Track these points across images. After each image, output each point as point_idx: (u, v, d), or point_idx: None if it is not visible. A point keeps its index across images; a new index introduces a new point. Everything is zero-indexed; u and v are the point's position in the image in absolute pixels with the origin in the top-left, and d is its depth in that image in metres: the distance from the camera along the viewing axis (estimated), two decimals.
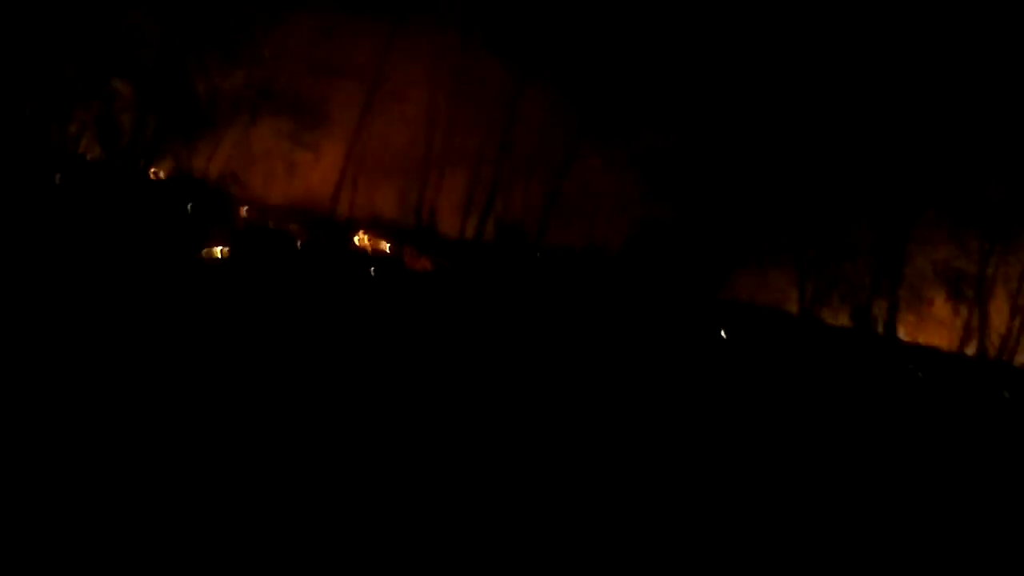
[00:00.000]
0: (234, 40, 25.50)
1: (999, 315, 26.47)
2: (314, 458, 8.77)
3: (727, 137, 26.59)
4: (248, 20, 25.57)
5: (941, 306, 26.67)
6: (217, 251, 22.20)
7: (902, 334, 26.60)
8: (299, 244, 23.58)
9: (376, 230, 24.84)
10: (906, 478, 14.44)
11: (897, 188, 26.60)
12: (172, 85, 24.99)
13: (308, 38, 25.97)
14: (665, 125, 26.40)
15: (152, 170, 25.07)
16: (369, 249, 24.39)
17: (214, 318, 15.07)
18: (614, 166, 26.51)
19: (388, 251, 24.43)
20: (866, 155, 26.82)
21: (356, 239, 24.57)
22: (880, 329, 26.32)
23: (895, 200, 26.62)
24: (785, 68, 26.02)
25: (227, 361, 12.17)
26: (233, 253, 22.16)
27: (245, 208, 24.19)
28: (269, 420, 9.75)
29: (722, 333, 24.33)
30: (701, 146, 26.54)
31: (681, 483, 10.79)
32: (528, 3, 26.30)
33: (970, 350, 26.44)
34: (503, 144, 26.47)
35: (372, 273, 22.90)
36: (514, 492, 8.92)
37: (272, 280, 20.76)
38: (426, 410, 11.65)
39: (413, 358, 15.33)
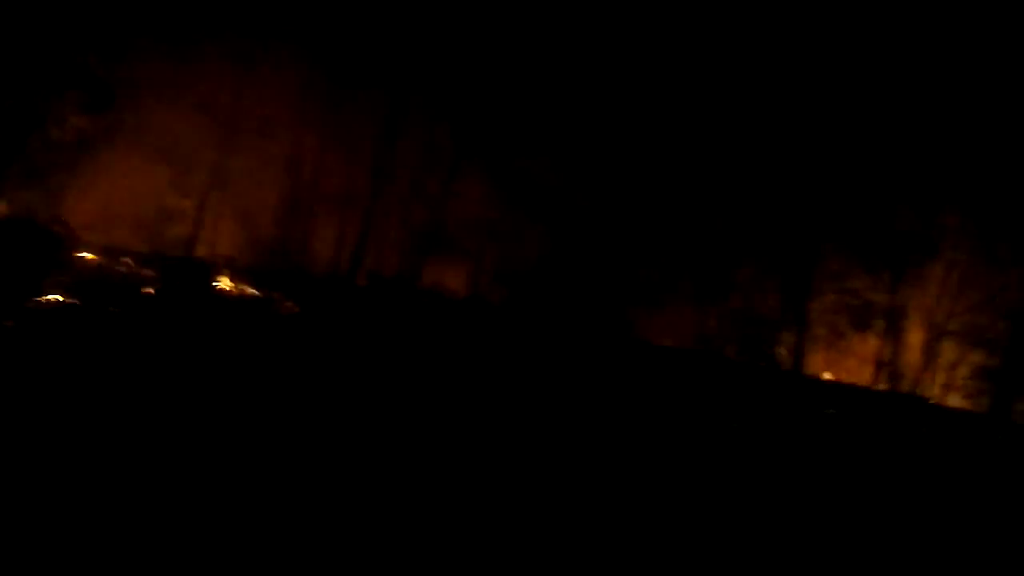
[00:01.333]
0: (83, 77, 23.23)
1: (911, 349, 25.51)
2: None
3: (619, 167, 25.36)
4: (98, 56, 23.32)
5: (851, 339, 25.53)
6: (53, 298, 19.59)
7: (810, 369, 25.36)
8: (154, 291, 21.11)
9: (241, 274, 22.44)
10: (817, 514, 14.39)
11: (802, 219, 25.58)
12: (11, 124, 22.51)
13: (162, 74, 23.73)
14: (551, 156, 25.02)
15: None
16: (234, 292, 21.96)
17: (45, 369, 14.24)
18: (496, 199, 24.94)
19: (256, 294, 22.05)
20: (770, 184, 25.83)
21: (218, 283, 22.10)
22: (788, 364, 25.06)
23: (801, 231, 25.57)
24: (678, 95, 25.06)
25: (73, 406, 11.83)
26: (74, 300, 19.66)
27: (89, 252, 21.48)
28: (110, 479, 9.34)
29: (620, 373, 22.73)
30: (594, 177, 25.26)
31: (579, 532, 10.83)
32: (396, 34, 24.75)
33: (882, 384, 25.34)
34: (375, 181, 24.63)
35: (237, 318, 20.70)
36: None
37: (117, 327, 18.70)
38: (290, 455, 11.48)
39: (282, 402, 14.79)
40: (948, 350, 25.18)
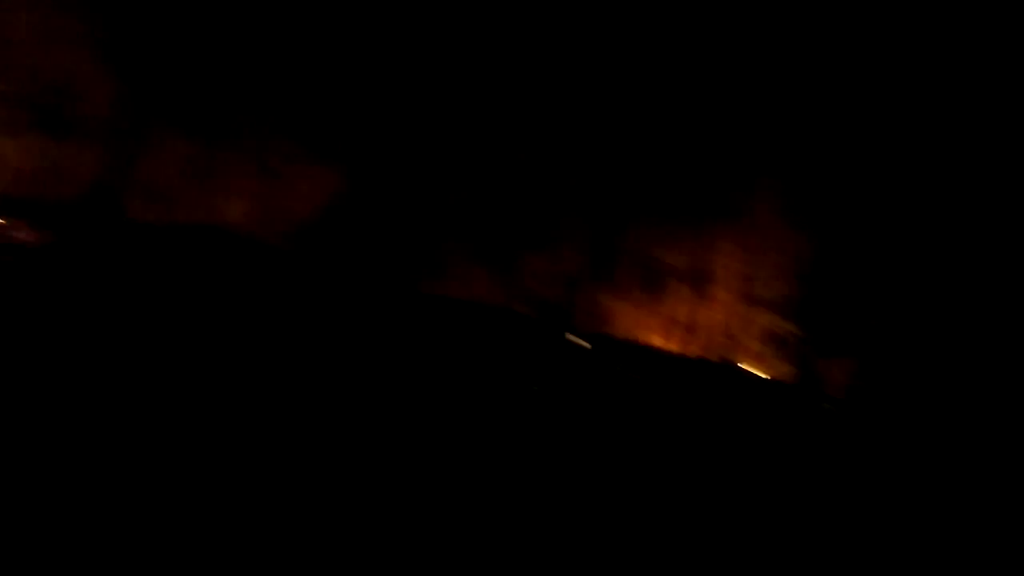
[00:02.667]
0: None
1: (718, 314, 24.38)
2: None
3: (420, 124, 23.22)
4: None
5: (658, 302, 24.16)
6: None
7: (616, 330, 23.85)
8: None
9: None
10: (616, 480, 14.27)
11: (607, 179, 24.06)
12: None
13: None
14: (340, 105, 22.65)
15: None
16: None
17: None
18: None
19: None
20: (573, 144, 24.21)
21: None
22: (587, 325, 23.43)
23: (604, 191, 24.03)
24: (479, 51, 23.11)
25: None
26: None
27: None
28: None
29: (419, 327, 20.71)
30: (398, 132, 23.04)
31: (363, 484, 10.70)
32: None
33: (691, 349, 24.11)
34: (141, 106, 21.49)
35: None
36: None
37: None
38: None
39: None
40: (757, 316, 24.23)
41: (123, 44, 21.48)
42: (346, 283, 21.91)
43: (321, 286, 21.24)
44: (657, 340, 23.78)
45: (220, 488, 9.63)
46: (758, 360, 24.03)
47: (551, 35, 23.31)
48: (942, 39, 22.48)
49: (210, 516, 8.87)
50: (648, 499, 13.68)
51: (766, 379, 23.89)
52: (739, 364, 23.91)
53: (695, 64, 23.62)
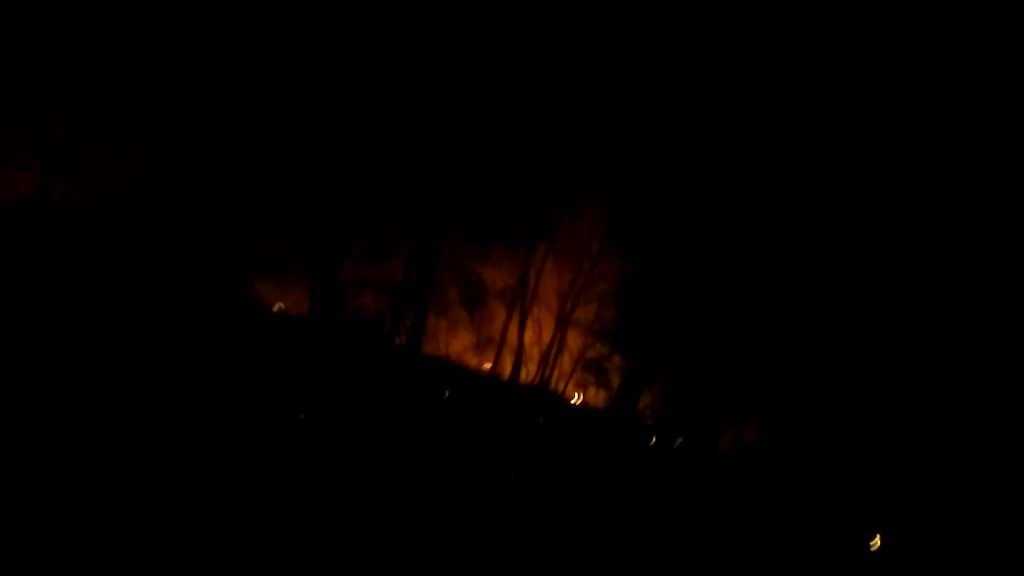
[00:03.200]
0: None
1: (536, 336, 23.99)
2: None
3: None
4: None
5: (475, 321, 23.52)
6: None
7: (432, 348, 23.01)
8: None
9: None
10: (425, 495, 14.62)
11: (428, 192, 23.27)
12: None
13: None
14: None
15: None
16: None
17: None
18: None
19: None
20: (395, 155, 23.39)
21: None
22: (402, 339, 22.56)
23: (425, 204, 23.24)
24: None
25: None
26: None
27: None
28: None
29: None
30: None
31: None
32: None
33: (506, 371, 23.57)
34: None
35: None
36: None
37: None
38: None
39: None
40: (573, 340, 23.93)
41: None
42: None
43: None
44: (471, 358, 23.15)
45: None
46: (573, 383, 23.76)
47: (375, 43, 22.58)
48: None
49: None
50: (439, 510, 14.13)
51: (577, 404, 23.65)
52: (552, 388, 23.56)
53: (519, 81, 23.24)
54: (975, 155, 23.09)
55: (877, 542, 21.27)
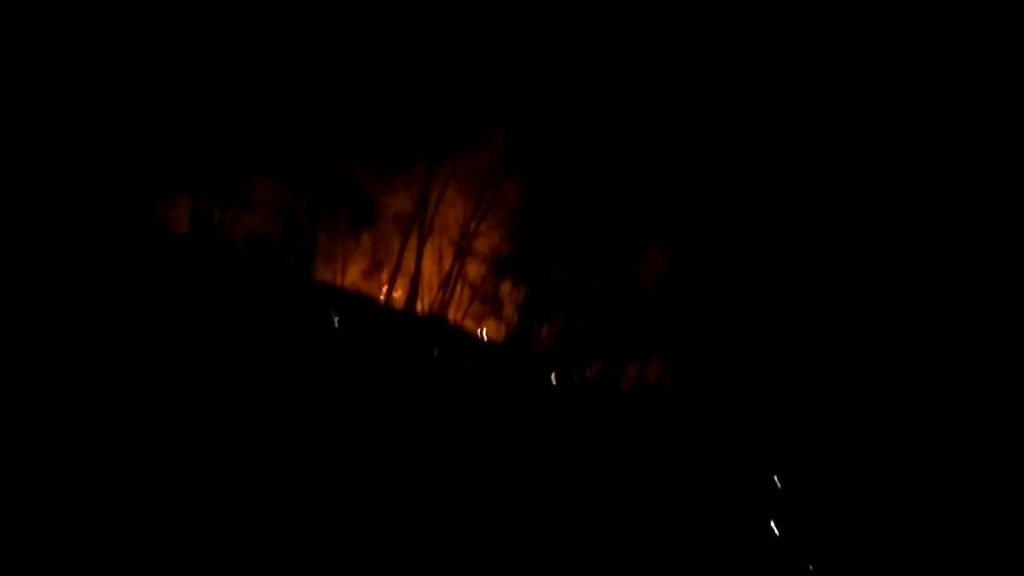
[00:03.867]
0: None
1: (431, 263, 23.18)
2: None
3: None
4: None
5: (371, 248, 22.60)
6: None
7: (324, 273, 22.05)
8: None
9: None
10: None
11: (323, 111, 22.06)
12: None
13: None
14: None
15: None
16: None
17: None
18: None
19: None
20: (287, 73, 22.09)
21: None
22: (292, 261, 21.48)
23: (320, 124, 22.04)
24: None
25: None
26: None
27: None
28: None
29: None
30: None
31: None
32: None
33: (399, 300, 22.78)
34: None
35: None
36: None
37: None
38: None
39: None
40: (472, 270, 23.27)
41: None
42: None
43: None
44: (365, 285, 22.33)
45: None
46: (471, 315, 23.17)
47: None
48: None
49: None
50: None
51: (473, 336, 23.05)
52: (448, 319, 22.91)
53: (424, 6, 22.23)
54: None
55: (777, 482, 21.20)
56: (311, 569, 9.64)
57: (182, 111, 20.99)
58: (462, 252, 22.85)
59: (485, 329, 23.25)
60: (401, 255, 22.48)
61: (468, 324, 23.13)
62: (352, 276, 22.29)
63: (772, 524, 21.22)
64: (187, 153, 21.00)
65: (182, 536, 8.79)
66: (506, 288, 23.18)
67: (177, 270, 19.67)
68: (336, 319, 20.73)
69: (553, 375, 23.08)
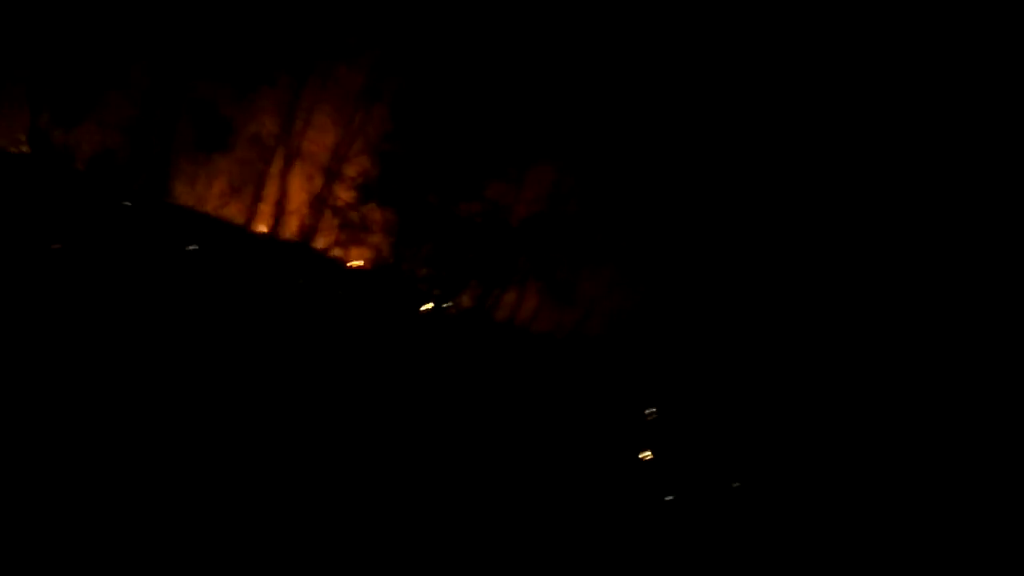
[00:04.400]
0: None
1: (297, 188, 22.31)
2: None
3: None
4: None
5: (231, 170, 21.61)
6: None
7: (180, 196, 21.08)
8: None
9: None
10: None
11: (173, 23, 20.70)
12: None
13: None
14: None
15: None
16: None
17: None
18: None
19: None
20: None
21: None
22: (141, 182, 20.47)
23: (170, 37, 20.71)
24: None
25: None
26: None
27: None
28: None
29: None
30: None
31: None
32: None
33: (263, 226, 21.94)
34: None
35: None
36: None
37: None
38: None
39: None
40: (340, 194, 22.48)
41: None
42: None
43: None
44: (223, 209, 21.40)
45: None
46: (337, 242, 22.48)
47: None
48: None
49: None
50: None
51: (340, 263, 22.40)
52: (314, 245, 22.21)
53: None
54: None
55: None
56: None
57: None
58: (330, 176, 22.08)
59: (350, 256, 22.58)
60: (263, 179, 21.64)
61: (336, 252, 22.45)
62: (210, 200, 21.35)
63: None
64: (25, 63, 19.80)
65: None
66: (375, 214, 22.51)
67: (18, 192, 18.76)
68: (192, 245, 19.99)
69: (425, 304, 22.68)
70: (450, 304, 22.80)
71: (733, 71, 22.72)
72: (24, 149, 19.46)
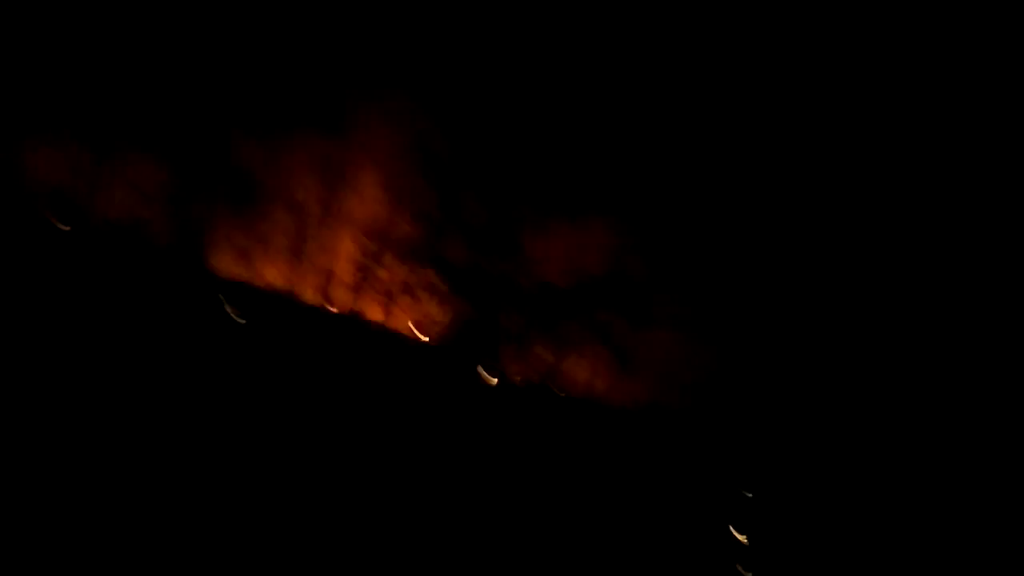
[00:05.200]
0: None
1: (341, 255, 20.42)
2: None
3: None
4: None
5: (271, 234, 19.71)
6: None
7: (214, 262, 19.02)
8: None
9: None
10: None
11: (210, 83, 19.21)
12: None
13: None
14: None
15: None
16: None
17: None
18: None
19: None
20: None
21: None
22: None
23: (206, 97, 19.19)
24: None
25: None
26: None
27: None
28: None
29: None
30: None
31: None
32: None
33: (306, 293, 20.01)
34: None
35: None
36: None
37: None
38: None
39: None
40: (390, 262, 20.54)
41: None
42: None
43: None
44: (266, 276, 19.43)
45: None
46: (388, 312, 20.52)
47: None
48: None
49: None
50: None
51: (394, 333, 20.39)
52: (365, 315, 20.27)
53: None
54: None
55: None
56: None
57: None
58: (374, 240, 20.20)
59: (403, 327, 20.58)
60: (303, 244, 19.76)
61: (387, 321, 20.46)
62: (249, 268, 19.41)
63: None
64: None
65: None
66: (425, 279, 20.54)
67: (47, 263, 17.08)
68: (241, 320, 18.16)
69: (489, 378, 20.69)
70: (518, 377, 20.79)
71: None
72: (49, 216, 17.65)
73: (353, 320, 19.94)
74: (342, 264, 20.08)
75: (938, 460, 21.00)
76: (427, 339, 20.44)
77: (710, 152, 21.56)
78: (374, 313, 20.24)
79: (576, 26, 20.48)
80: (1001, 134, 21.46)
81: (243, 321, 18.03)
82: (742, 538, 18.94)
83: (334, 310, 19.98)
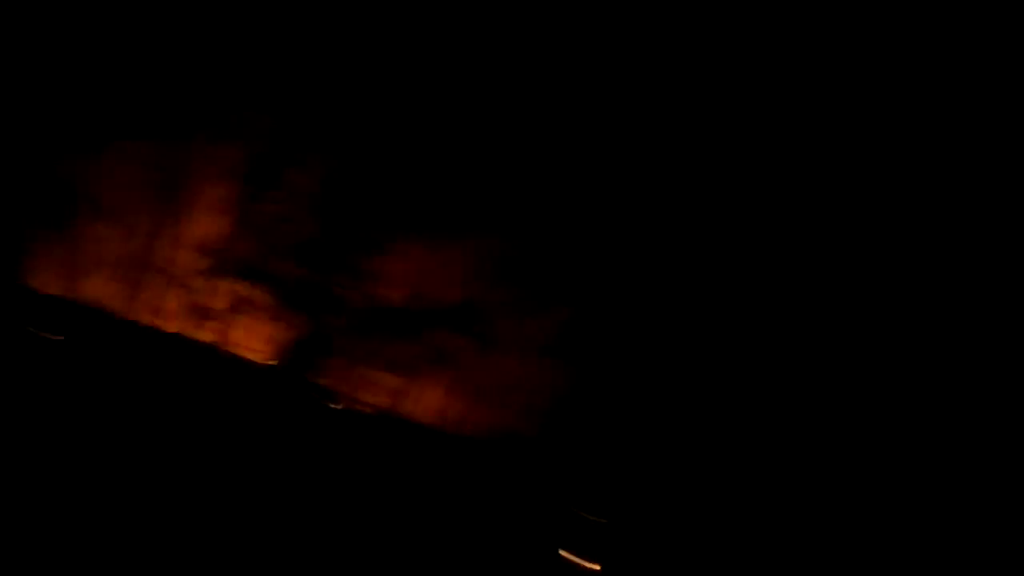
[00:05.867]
0: None
1: (173, 271, 19.62)
2: None
3: None
4: None
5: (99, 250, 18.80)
6: None
7: (39, 282, 18.01)
8: None
9: None
10: None
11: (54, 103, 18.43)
12: None
13: None
14: None
15: None
16: None
17: None
18: None
19: None
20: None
21: None
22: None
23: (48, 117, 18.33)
24: None
25: None
26: None
27: None
28: None
29: None
30: None
31: None
32: None
33: (136, 315, 19.07)
34: None
35: None
36: None
37: None
38: None
39: None
40: (225, 281, 19.82)
41: None
42: None
43: None
44: (89, 292, 18.47)
45: None
46: (219, 330, 19.69)
47: None
48: None
49: None
50: None
51: (224, 352, 19.60)
52: (194, 333, 19.45)
53: None
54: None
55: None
56: None
57: None
58: (209, 258, 19.48)
59: (242, 348, 19.83)
60: (133, 260, 18.92)
61: (221, 342, 19.66)
62: (74, 285, 18.45)
63: None
64: None
65: None
66: (261, 299, 19.86)
67: None
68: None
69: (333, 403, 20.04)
70: (362, 404, 20.22)
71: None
72: None
73: (181, 339, 19.18)
74: (173, 281, 19.32)
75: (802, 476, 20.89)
76: (259, 358, 19.78)
77: (558, 182, 21.40)
78: (204, 332, 19.49)
79: (424, 45, 20.26)
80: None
81: (60, 337, 17.09)
82: (580, 562, 18.55)
83: (162, 327, 19.16)
